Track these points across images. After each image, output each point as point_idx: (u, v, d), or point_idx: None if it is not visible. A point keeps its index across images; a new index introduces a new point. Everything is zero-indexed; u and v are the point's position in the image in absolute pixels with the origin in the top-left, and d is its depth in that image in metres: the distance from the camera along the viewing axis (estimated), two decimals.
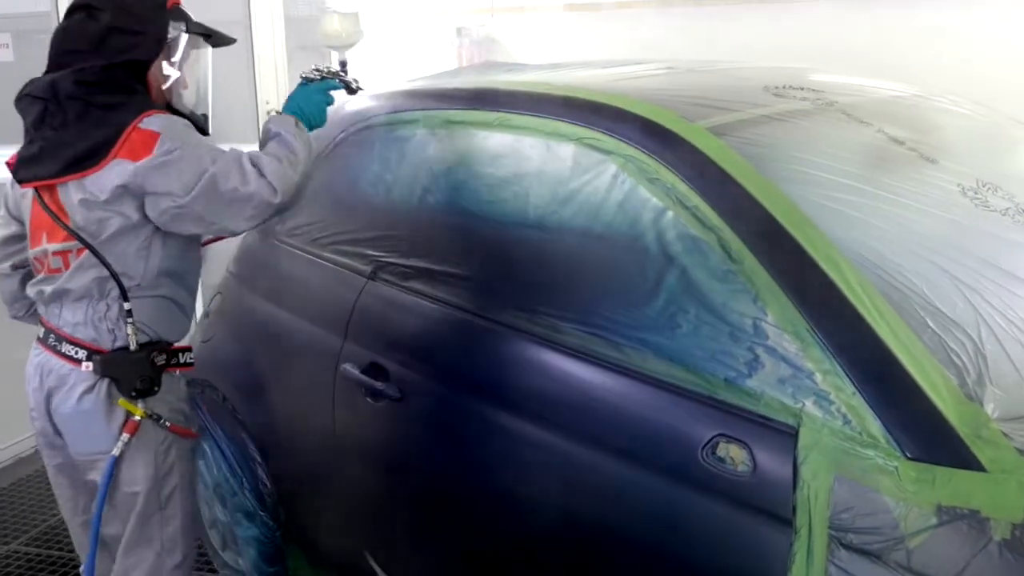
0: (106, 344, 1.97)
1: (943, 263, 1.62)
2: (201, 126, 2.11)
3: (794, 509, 1.41)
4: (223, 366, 2.72)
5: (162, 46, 2.01)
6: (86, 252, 1.92)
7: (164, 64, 2.03)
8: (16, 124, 2.03)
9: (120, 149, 1.87)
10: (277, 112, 2.12)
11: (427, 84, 2.46)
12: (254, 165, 1.93)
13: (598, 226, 1.81)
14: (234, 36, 2.18)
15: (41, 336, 2.05)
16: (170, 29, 2.02)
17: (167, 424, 2.02)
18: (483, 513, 1.94)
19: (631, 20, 5.11)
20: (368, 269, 2.26)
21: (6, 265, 2.16)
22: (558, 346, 1.80)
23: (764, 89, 2.10)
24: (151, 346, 1.99)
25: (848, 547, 1.35)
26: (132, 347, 1.96)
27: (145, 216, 1.93)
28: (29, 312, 2.18)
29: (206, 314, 2.92)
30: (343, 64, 2.25)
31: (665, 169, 1.72)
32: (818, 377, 1.46)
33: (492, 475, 1.90)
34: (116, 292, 1.95)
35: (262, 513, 2.61)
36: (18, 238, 2.13)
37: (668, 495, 1.58)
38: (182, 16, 2.07)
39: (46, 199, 1.94)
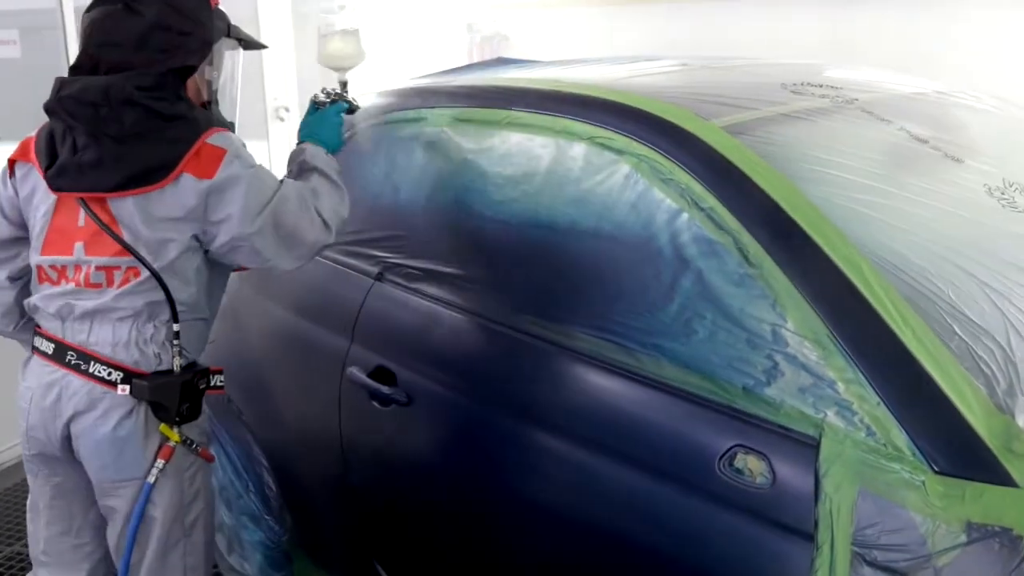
0: (149, 367, 1.85)
1: (969, 266, 1.57)
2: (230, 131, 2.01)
3: (816, 524, 1.36)
4: (228, 368, 2.68)
5: (209, 49, 1.91)
6: (145, 273, 1.81)
7: (207, 69, 1.94)
8: (23, 119, 1.94)
9: (187, 164, 1.78)
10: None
11: (435, 81, 2.41)
12: (314, 205, 1.88)
13: (610, 228, 1.76)
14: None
15: (51, 353, 1.88)
16: (217, 32, 1.93)
17: (198, 449, 1.93)
18: (491, 521, 1.89)
19: (647, 15, 5.06)
20: (375, 270, 2.22)
21: (3, 276, 1.97)
22: (569, 351, 1.75)
23: (782, 86, 2.04)
24: (192, 369, 1.90)
25: (872, 564, 1.30)
26: (176, 370, 1.86)
27: (201, 240, 1.85)
28: (17, 327, 2.01)
29: None
30: (344, 85, 2.23)
31: (679, 169, 1.66)
32: (840, 386, 1.41)
33: (501, 483, 1.85)
34: (167, 315, 1.85)
35: (267, 517, 2.57)
36: (13, 243, 1.96)
37: (683, 507, 1.53)
38: (224, 19, 1.99)
39: (96, 210, 1.80)
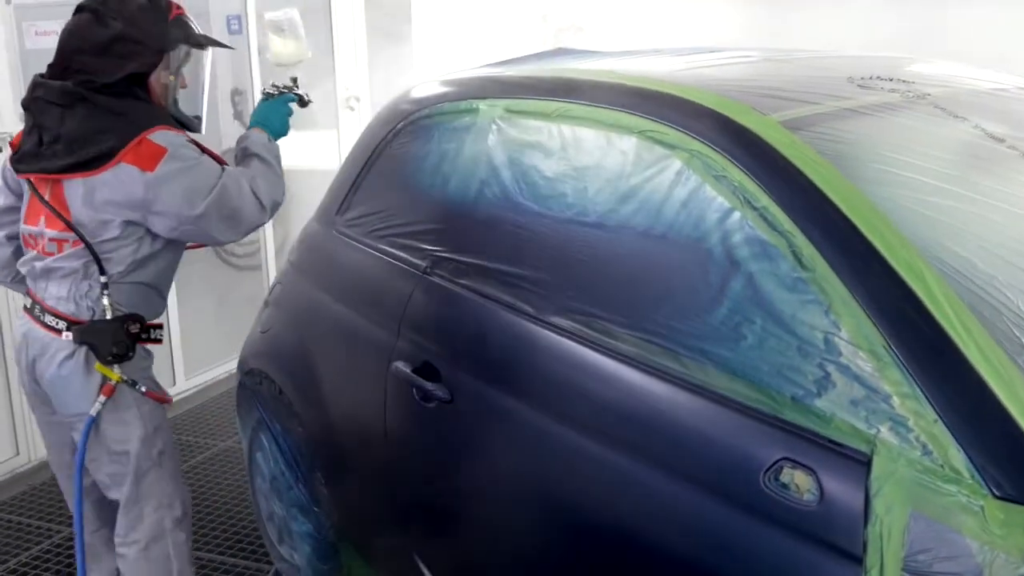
0: (84, 317, 2.18)
1: None
2: (193, 128, 2.32)
3: (864, 546, 1.27)
4: (280, 358, 2.68)
5: (160, 57, 2.20)
6: (82, 244, 2.13)
7: (163, 74, 2.23)
8: None
9: (126, 154, 2.07)
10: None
11: (489, 72, 2.36)
12: (251, 189, 2.18)
13: (659, 226, 1.69)
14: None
15: (28, 307, 2.27)
16: (170, 40, 2.21)
17: (142, 389, 2.23)
18: (527, 524, 1.84)
19: (725, 4, 4.95)
20: (423, 264, 2.18)
21: (1, 234, 2.36)
22: (613, 353, 1.69)
23: (848, 80, 1.94)
24: (126, 317, 2.20)
25: None
26: (108, 317, 2.17)
27: (142, 224, 2.14)
28: (14, 280, 2.39)
29: (266, 303, 2.88)
30: (294, 80, 2.47)
31: (733, 166, 1.58)
32: (896, 401, 1.32)
33: (539, 484, 1.80)
34: (99, 275, 2.15)
35: (316, 509, 2.56)
36: (14, 210, 2.32)
37: (725, 521, 1.46)
38: (182, 26, 2.26)
39: (45, 192, 2.15)
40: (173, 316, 4.42)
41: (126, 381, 2.21)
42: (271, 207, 2.24)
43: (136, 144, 2.07)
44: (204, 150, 2.23)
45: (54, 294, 2.19)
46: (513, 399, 1.86)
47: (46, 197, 2.14)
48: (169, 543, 2.33)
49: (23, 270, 2.27)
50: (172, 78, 2.25)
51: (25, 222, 2.25)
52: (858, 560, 1.28)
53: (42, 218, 2.18)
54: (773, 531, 1.39)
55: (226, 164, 2.25)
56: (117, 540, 2.34)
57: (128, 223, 2.13)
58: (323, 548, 2.60)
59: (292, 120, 2.46)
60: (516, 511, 1.88)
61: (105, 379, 2.19)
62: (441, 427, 2.03)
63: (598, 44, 4.25)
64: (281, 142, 2.42)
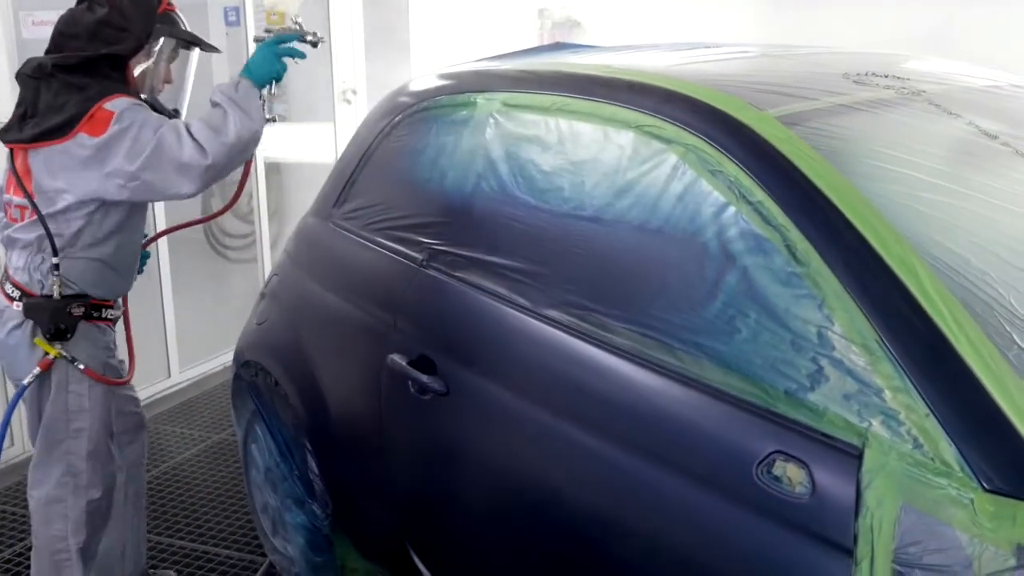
0: (35, 290, 2.32)
1: None
2: (170, 118, 2.36)
3: (855, 538, 1.28)
4: (275, 349, 2.69)
5: (140, 44, 2.33)
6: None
7: (142, 60, 2.36)
8: None
9: (83, 125, 2.18)
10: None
11: (487, 65, 2.36)
12: (189, 135, 2.19)
13: (655, 220, 1.69)
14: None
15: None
16: (154, 32, 2.34)
17: (80, 367, 2.34)
18: (522, 515, 1.85)
19: (723, 2, 4.95)
20: (420, 257, 2.18)
21: None
22: (608, 346, 1.70)
23: (844, 76, 1.95)
24: (73, 298, 2.31)
25: None
26: (55, 296, 2.28)
27: (100, 197, 2.24)
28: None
29: (262, 295, 2.88)
30: (297, 23, 2.43)
31: (729, 160, 1.59)
32: (888, 395, 1.33)
33: (535, 477, 1.81)
34: (51, 250, 2.26)
35: (310, 501, 2.57)
36: None
37: (717, 513, 1.47)
38: (170, 22, 2.38)
39: (17, 161, 2.29)
40: (168, 309, 4.42)
41: (64, 357, 2.33)
42: (213, 151, 2.20)
43: (92, 114, 2.19)
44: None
45: (14, 263, 2.35)
46: (509, 392, 1.86)
47: (16, 166, 2.29)
48: (68, 505, 2.45)
49: (1, 239, 2.42)
50: (152, 67, 2.37)
51: (3, 191, 2.42)
52: (849, 552, 1.29)
53: (12, 187, 2.34)
54: (765, 523, 1.40)
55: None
56: (28, 483, 2.51)
57: (80, 199, 2.24)
58: (317, 540, 2.60)
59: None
60: (511, 503, 1.89)
61: (45, 352, 2.32)
62: (437, 420, 2.03)
63: (595, 40, 4.25)
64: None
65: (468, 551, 2.05)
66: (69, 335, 2.32)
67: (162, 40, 2.37)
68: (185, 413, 4.30)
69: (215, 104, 2.27)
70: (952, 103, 1.88)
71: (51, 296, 2.29)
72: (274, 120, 2.44)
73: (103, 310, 2.40)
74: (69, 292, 2.31)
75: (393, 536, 2.27)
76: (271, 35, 2.38)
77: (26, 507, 3.40)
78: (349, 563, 2.56)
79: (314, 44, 2.40)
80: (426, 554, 2.16)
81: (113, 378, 2.46)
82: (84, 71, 2.25)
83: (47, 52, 2.32)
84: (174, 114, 2.44)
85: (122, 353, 2.62)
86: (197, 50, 2.48)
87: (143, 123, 2.19)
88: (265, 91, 2.35)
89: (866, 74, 1.96)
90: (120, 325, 2.61)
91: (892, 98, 1.86)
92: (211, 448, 3.93)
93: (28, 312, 2.31)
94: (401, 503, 2.23)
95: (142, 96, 2.37)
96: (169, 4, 2.38)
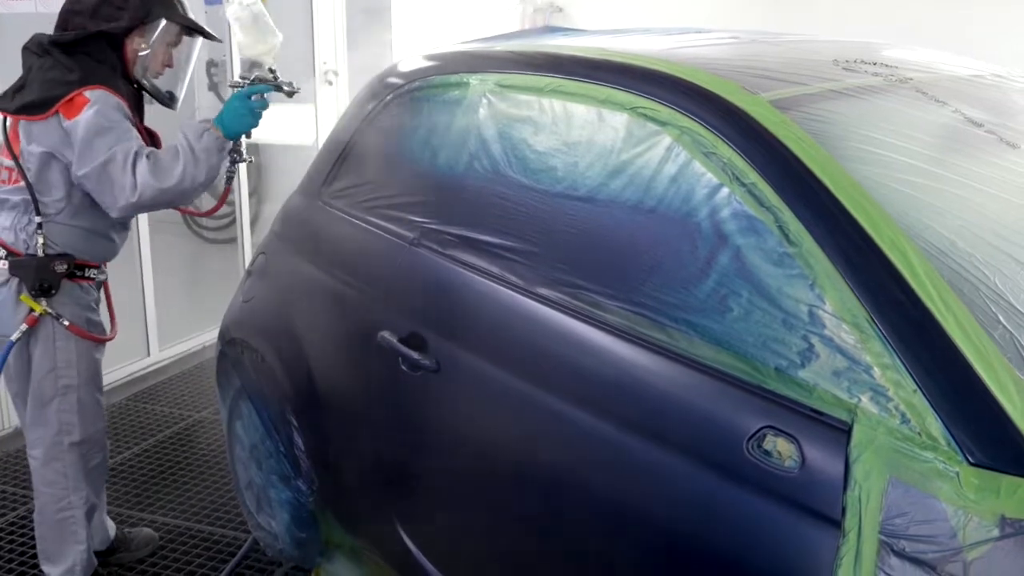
0: (21, 249, 2.43)
1: (1019, 254, 1.51)
2: (162, 101, 2.57)
3: (843, 510, 1.32)
4: (263, 327, 2.69)
5: (134, 24, 2.42)
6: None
7: (137, 41, 2.44)
8: None
9: (61, 107, 2.31)
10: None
11: (479, 47, 2.37)
12: (133, 166, 2.29)
13: (649, 201, 1.72)
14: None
15: None
16: (151, 14, 2.42)
17: (65, 323, 2.46)
18: (513, 492, 1.87)
19: None
20: (411, 235, 2.20)
21: None
22: (601, 324, 1.72)
23: (834, 63, 1.98)
24: (57, 257, 2.43)
25: (900, 555, 1.26)
26: (40, 255, 2.40)
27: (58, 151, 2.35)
28: None
29: (248, 273, 2.88)
30: (272, 72, 2.46)
31: (722, 143, 1.62)
32: (876, 371, 1.36)
33: (525, 453, 1.83)
34: (35, 213, 2.38)
35: (296, 477, 2.58)
36: None
37: (709, 487, 1.50)
38: (168, 5, 2.46)
39: (8, 126, 2.42)
40: (148, 288, 4.40)
41: (50, 313, 2.45)
42: (142, 193, 2.31)
43: (72, 97, 2.31)
44: (137, 126, 2.42)
45: (1, 223, 2.45)
46: (500, 369, 1.88)
47: (8, 130, 2.42)
48: (66, 462, 2.58)
49: None
50: (146, 49, 2.45)
51: None
52: (837, 524, 1.32)
53: (3, 149, 2.46)
54: (755, 496, 1.43)
55: (148, 141, 2.44)
56: (27, 445, 2.62)
57: (63, 165, 2.36)
58: (302, 516, 2.62)
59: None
60: (501, 480, 1.91)
61: (31, 309, 2.43)
62: (427, 397, 2.05)
63: (578, 24, 4.26)
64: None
65: (457, 527, 2.07)
66: (53, 291, 2.43)
67: (162, 24, 2.45)
68: (165, 392, 4.29)
69: (173, 149, 2.37)
70: (938, 91, 1.91)
71: (35, 255, 2.41)
72: (250, 162, 2.58)
73: (86, 269, 2.51)
74: (53, 251, 2.43)
75: (381, 513, 2.29)
76: (247, 83, 2.43)
77: (7, 482, 3.42)
78: (334, 539, 2.57)
79: (289, 94, 2.47)
80: (415, 533, 2.18)
81: (98, 335, 2.56)
82: (80, 49, 2.37)
83: (56, 29, 2.44)
84: (166, 96, 2.56)
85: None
86: (200, 39, 2.58)
87: (108, 129, 2.31)
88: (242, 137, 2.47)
89: (855, 61, 2.00)
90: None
91: (880, 85, 1.89)
92: (191, 426, 3.93)
93: (14, 270, 2.42)
94: (389, 479, 2.25)
95: (141, 80, 2.49)
96: None
